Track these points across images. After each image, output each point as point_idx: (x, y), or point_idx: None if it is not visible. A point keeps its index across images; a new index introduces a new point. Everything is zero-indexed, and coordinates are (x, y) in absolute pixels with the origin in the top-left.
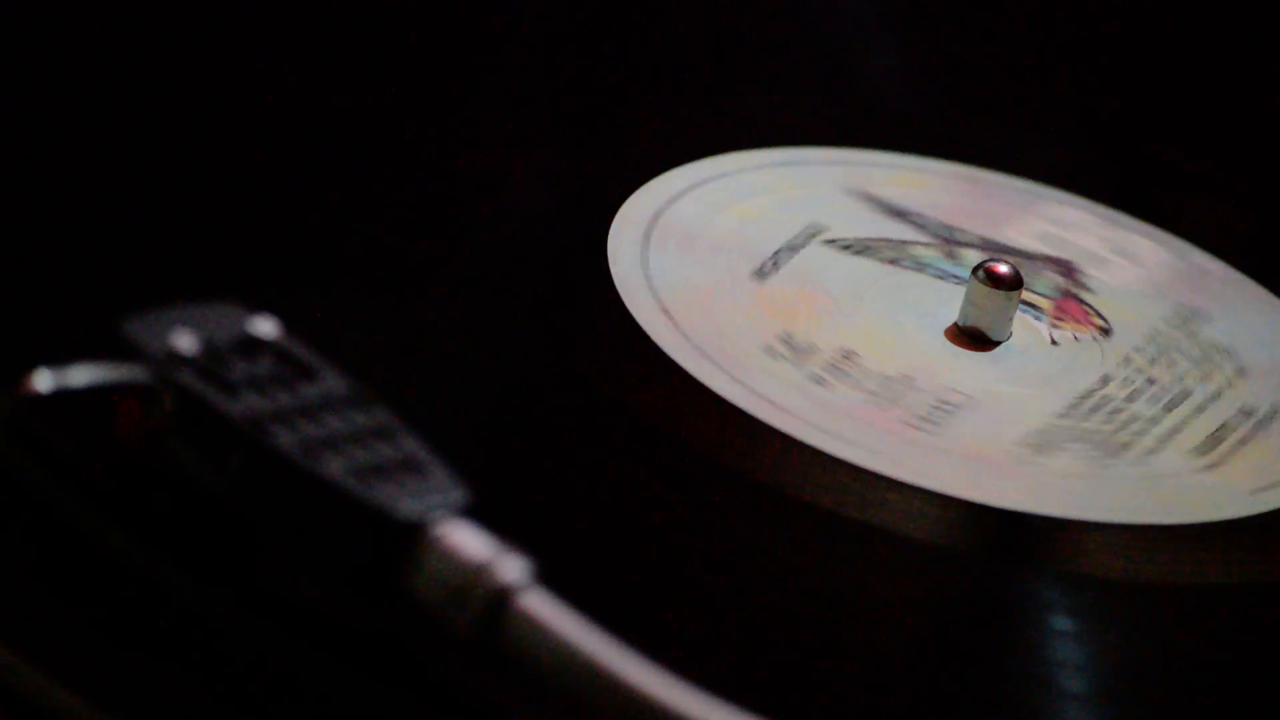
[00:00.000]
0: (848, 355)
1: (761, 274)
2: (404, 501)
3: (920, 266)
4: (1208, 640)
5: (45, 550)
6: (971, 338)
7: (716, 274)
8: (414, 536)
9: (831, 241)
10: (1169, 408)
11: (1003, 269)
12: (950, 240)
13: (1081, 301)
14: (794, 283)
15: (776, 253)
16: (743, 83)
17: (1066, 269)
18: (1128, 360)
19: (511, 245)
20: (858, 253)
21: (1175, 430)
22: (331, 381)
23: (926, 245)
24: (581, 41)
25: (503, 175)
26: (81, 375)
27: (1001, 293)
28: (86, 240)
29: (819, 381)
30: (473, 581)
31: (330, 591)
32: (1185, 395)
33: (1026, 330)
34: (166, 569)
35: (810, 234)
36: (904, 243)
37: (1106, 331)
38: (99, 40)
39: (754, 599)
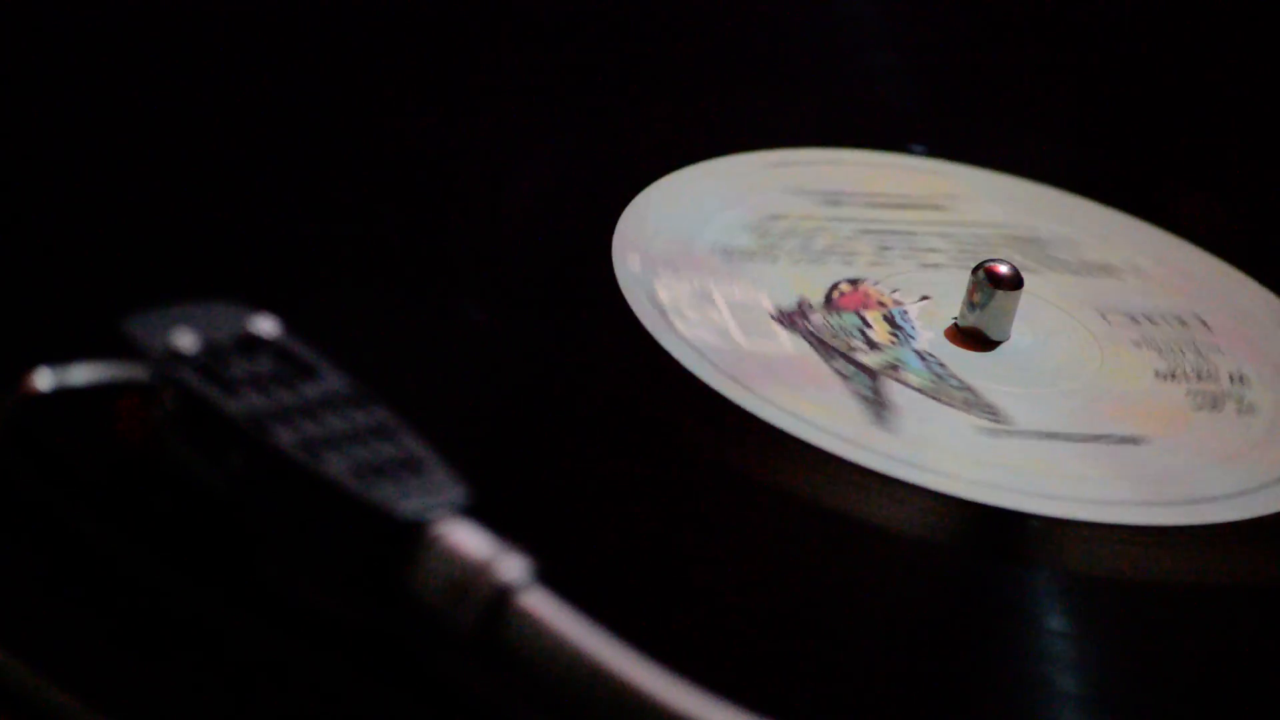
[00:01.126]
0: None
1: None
2: (404, 500)
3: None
4: (1193, 640)
5: (45, 551)
6: (971, 338)
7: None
8: (414, 535)
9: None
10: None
11: (1003, 269)
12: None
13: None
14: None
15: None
16: (748, 84)
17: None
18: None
19: (514, 245)
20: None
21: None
22: (332, 380)
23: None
24: (585, 40)
25: (505, 175)
26: (82, 374)
27: (1001, 293)
28: (86, 240)
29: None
30: (473, 580)
31: (331, 591)
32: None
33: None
34: (166, 569)
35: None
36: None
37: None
38: (99, 40)
39: (754, 598)
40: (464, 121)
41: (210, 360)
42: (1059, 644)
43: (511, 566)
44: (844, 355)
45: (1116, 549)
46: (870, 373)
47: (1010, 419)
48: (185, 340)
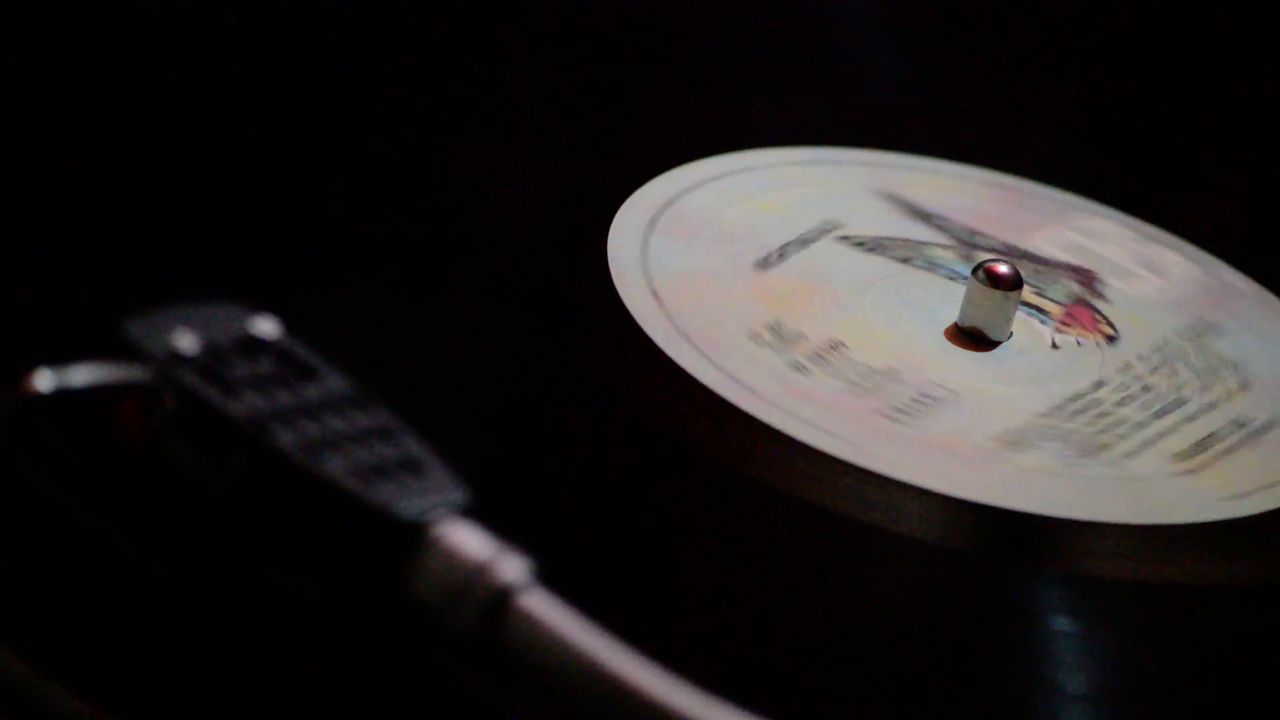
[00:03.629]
0: (834, 346)
1: (765, 264)
2: (404, 501)
3: (932, 266)
4: (1168, 639)
5: (45, 551)
6: (971, 338)
7: (717, 262)
8: (414, 536)
9: (845, 238)
10: (1159, 414)
11: (1002, 269)
12: (970, 244)
13: (1093, 309)
14: (797, 275)
15: (785, 245)
16: (767, 80)
17: (1086, 278)
18: (1127, 367)
19: (511, 244)
20: (870, 250)
21: (1160, 436)
22: (332, 381)
23: (944, 247)
24: (584, 40)
25: (502, 173)
26: (82, 375)
27: (1001, 293)
28: (87, 240)
29: (799, 369)
30: (473, 581)
31: (331, 591)
32: (1179, 404)
33: (1028, 332)
34: (167, 569)
35: (825, 229)
36: (920, 243)
37: (1112, 339)
38: (99, 40)
39: (754, 598)
40: (463, 121)
41: (211, 361)
42: (1060, 644)
43: (511, 567)
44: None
45: (1082, 545)
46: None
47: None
48: (186, 341)
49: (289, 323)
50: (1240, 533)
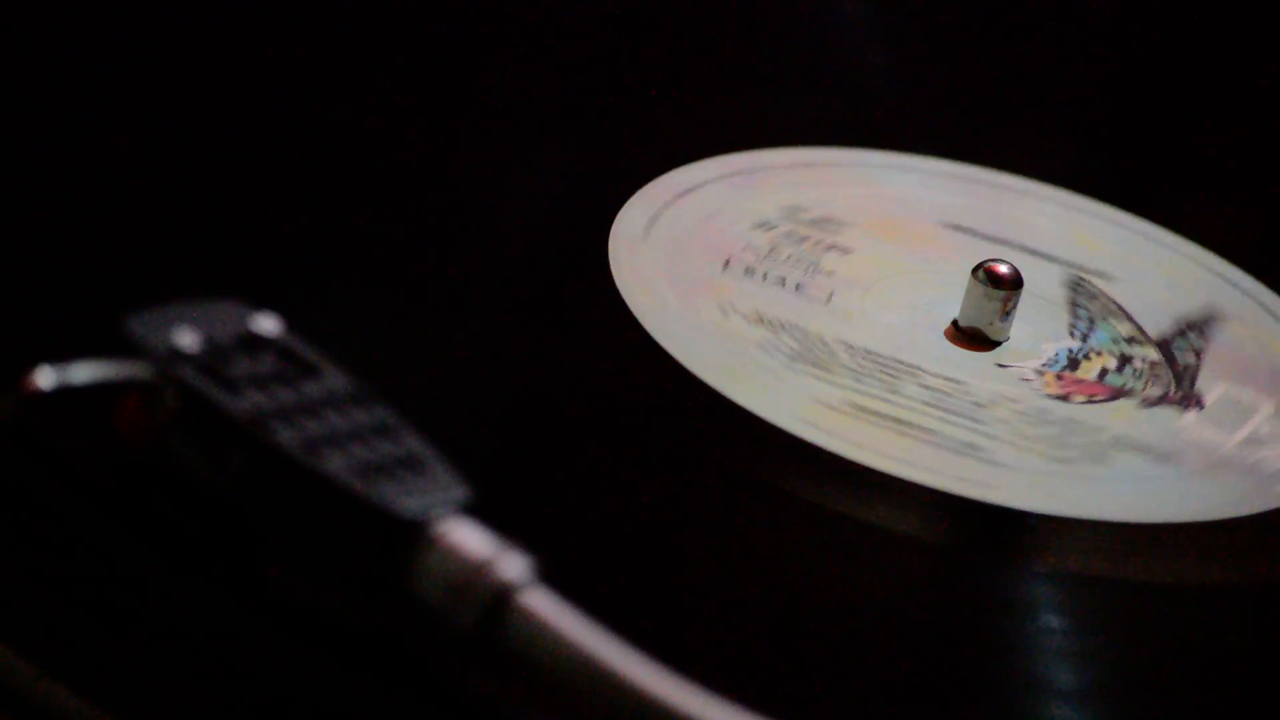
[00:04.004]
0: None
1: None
2: (405, 499)
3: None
4: (1165, 639)
5: (46, 550)
6: (971, 338)
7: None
8: (415, 534)
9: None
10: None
11: (1002, 269)
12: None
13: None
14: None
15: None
16: (768, 80)
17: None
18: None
19: (513, 242)
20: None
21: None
22: (333, 379)
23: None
24: (584, 40)
25: (504, 174)
26: (84, 372)
27: (1001, 293)
28: (88, 238)
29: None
30: (474, 579)
31: (332, 589)
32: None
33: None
34: (168, 567)
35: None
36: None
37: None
38: (99, 40)
39: (754, 598)
40: (465, 121)
41: (212, 359)
42: (1057, 643)
43: (512, 565)
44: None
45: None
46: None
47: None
48: (187, 339)
49: (290, 320)
50: (1240, 533)
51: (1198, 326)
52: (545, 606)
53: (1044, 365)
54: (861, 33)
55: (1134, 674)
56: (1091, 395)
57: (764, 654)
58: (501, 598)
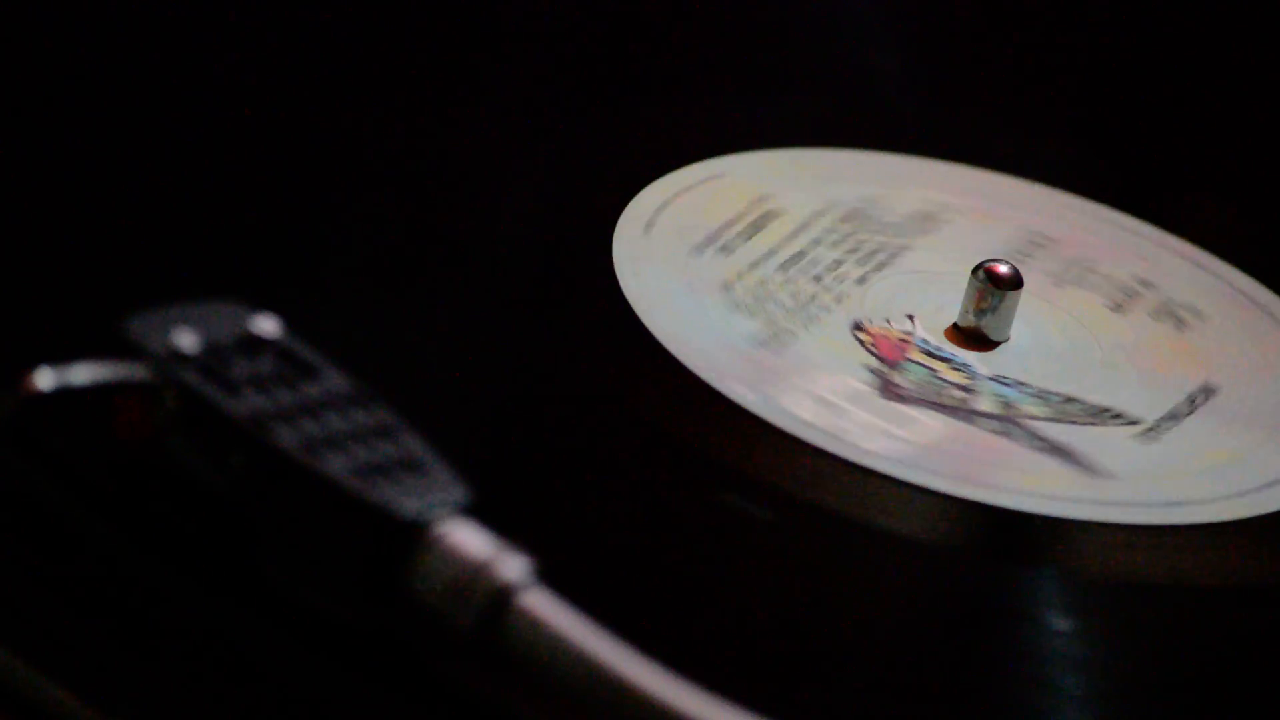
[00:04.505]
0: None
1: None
2: (405, 500)
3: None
4: (1166, 639)
5: (46, 551)
6: (971, 338)
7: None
8: (415, 535)
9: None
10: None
11: (1003, 269)
12: None
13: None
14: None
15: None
16: (769, 80)
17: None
18: None
19: (513, 244)
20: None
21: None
22: (333, 380)
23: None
24: (584, 40)
25: (505, 174)
26: (83, 374)
27: (1001, 293)
28: (87, 239)
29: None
30: (473, 580)
31: (331, 590)
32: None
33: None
34: (167, 568)
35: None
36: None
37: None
38: (99, 40)
39: (754, 598)
40: (464, 121)
41: (211, 360)
42: (1060, 644)
43: (512, 566)
44: (963, 411)
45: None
46: (1007, 420)
47: (1140, 415)
48: (186, 340)
49: (290, 321)
50: (1240, 533)
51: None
52: (545, 607)
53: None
54: (863, 33)
55: (1140, 677)
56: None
57: (764, 654)
58: (501, 598)
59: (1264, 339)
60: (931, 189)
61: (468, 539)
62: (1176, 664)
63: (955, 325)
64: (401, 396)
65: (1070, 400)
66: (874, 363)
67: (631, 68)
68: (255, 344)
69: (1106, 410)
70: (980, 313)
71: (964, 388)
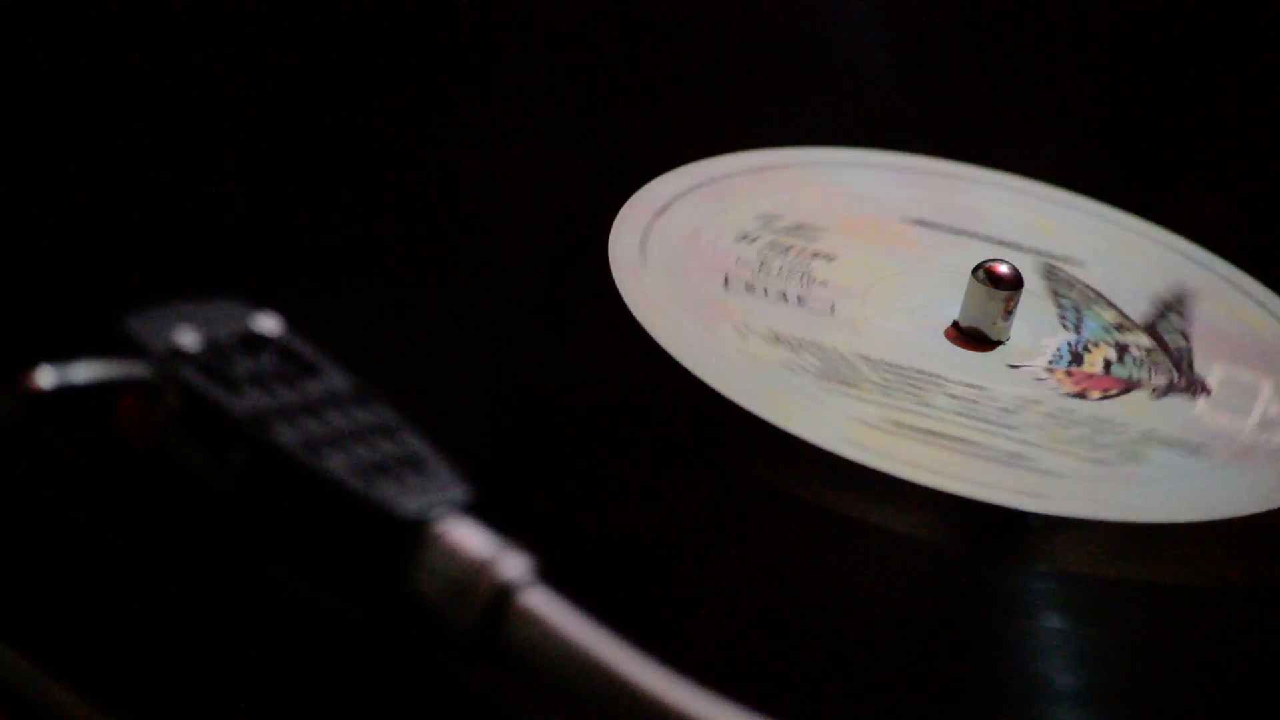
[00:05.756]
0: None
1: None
2: (406, 499)
3: None
4: (1165, 639)
5: (46, 549)
6: (971, 338)
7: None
8: (416, 534)
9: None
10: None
11: (1003, 269)
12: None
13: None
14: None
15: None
16: (769, 80)
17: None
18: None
19: (514, 243)
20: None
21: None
22: (334, 378)
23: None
24: (584, 40)
25: (504, 174)
26: (84, 372)
27: (1001, 293)
28: (88, 238)
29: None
30: (474, 579)
31: (332, 589)
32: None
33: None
34: (168, 567)
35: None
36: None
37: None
38: (99, 40)
39: (754, 598)
40: (464, 121)
41: (212, 358)
42: (1057, 642)
43: (513, 565)
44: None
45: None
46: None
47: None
48: (187, 338)
49: (291, 320)
50: (1240, 533)
51: (1175, 306)
52: (545, 606)
53: (1051, 362)
54: (862, 33)
55: (1139, 677)
56: (1106, 390)
57: (764, 653)
58: (502, 597)
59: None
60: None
61: (468, 537)
62: (1174, 665)
63: (956, 325)
64: (402, 396)
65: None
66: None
67: (635, 67)
68: (256, 342)
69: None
70: (983, 313)
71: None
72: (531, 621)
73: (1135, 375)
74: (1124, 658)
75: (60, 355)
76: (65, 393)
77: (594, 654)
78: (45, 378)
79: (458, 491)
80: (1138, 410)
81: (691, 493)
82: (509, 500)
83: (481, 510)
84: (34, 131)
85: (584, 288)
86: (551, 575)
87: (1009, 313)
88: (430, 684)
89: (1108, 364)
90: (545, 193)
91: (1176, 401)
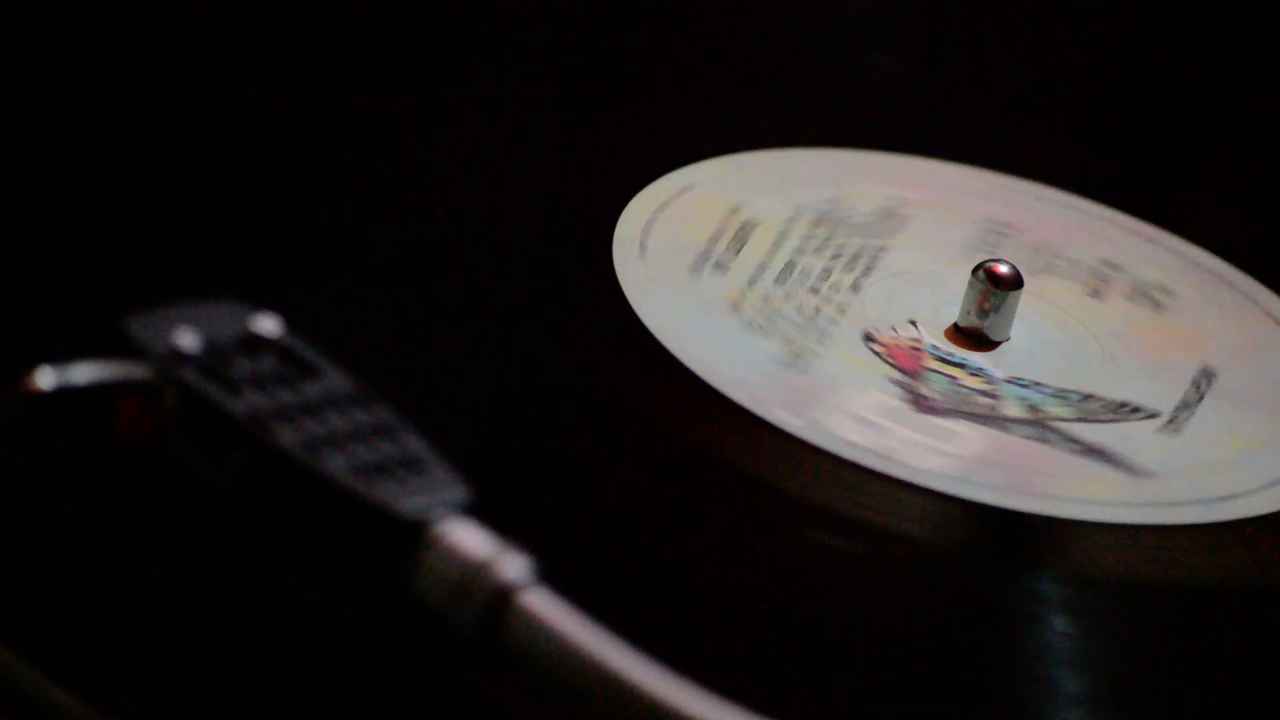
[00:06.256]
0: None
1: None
2: (406, 499)
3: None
4: (1166, 640)
5: (46, 550)
6: (971, 338)
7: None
8: (416, 534)
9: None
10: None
11: (1002, 269)
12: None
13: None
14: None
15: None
16: (769, 80)
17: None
18: None
19: (514, 244)
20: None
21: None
22: (334, 379)
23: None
24: (585, 40)
25: (506, 174)
26: (84, 373)
27: (1001, 293)
28: (88, 239)
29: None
30: (474, 579)
31: (332, 589)
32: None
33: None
34: (168, 567)
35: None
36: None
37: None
38: (99, 40)
39: (755, 597)
40: (464, 121)
41: (212, 359)
42: (1061, 644)
43: (512, 566)
44: (995, 418)
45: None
46: (1038, 424)
47: (1156, 407)
48: (187, 339)
49: (290, 321)
50: (1241, 533)
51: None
52: (545, 607)
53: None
54: (863, 33)
55: (1139, 677)
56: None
57: (764, 654)
58: (501, 598)
59: (1240, 314)
60: (887, 184)
61: (468, 538)
62: (1175, 665)
63: (956, 326)
64: (401, 396)
65: (1089, 398)
66: (895, 374)
67: (636, 67)
68: (256, 343)
69: (1125, 405)
70: (983, 313)
71: (988, 394)
72: (531, 622)
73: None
74: (1119, 660)
75: (60, 356)
76: (65, 393)
77: (594, 655)
78: (45, 379)
79: (457, 492)
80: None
81: (692, 493)
82: (509, 501)
83: (481, 511)
84: (34, 131)
85: (586, 288)
86: (551, 576)
87: (1009, 313)
88: (430, 685)
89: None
90: (547, 192)
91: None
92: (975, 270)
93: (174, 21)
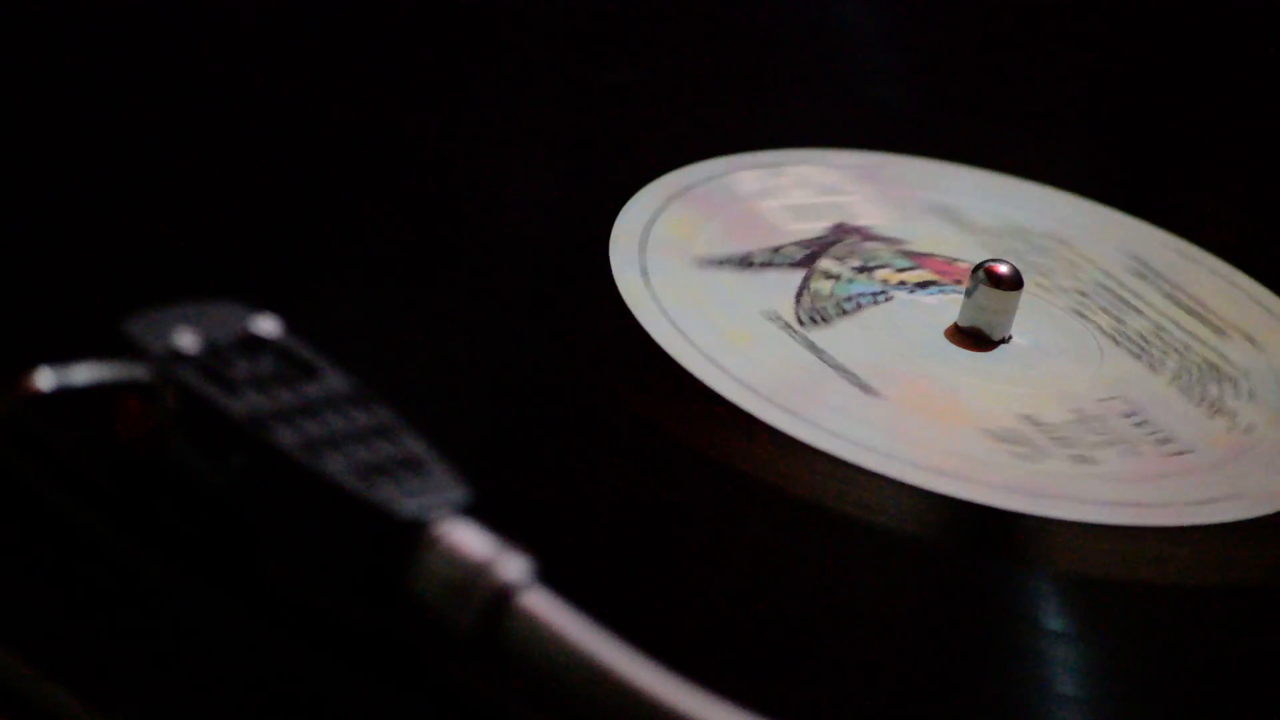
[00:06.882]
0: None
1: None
2: (405, 500)
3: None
4: (1165, 641)
5: (46, 551)
6: (971, 338)
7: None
8: (415, 535)
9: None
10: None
11: (1003, 269)
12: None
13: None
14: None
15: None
16: (769, 81)
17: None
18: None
19: (514, 244)
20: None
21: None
22: (333, 380)
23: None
24: (585, 40)
25: (504, 175)
26: (83, 374)
27: (1001, 292)
28: (87, 239)
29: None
30: (474, 580)
31: (331, 590)
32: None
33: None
34: (167, 568)
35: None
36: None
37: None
38: (99, 40)
39: (754, 597)
40: (464, 121)
41: (211, 360)
42: (1055, 645)
43: (512, 566)
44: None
45: (1113, 549)
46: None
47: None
48: (186, 340)
49: (290, 321)
50: (1241, 533)
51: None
52: (545, 607)
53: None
54: (863, 33)
55: (1139, 678)
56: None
57: (764, 655)
58: (501, 598)
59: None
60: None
61: (467, 539)
62: (1174, 665)
63: (956, 325)
64: (401, 396)
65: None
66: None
67: (635, 67)
68: (255, 344)
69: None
70: (983, 313)
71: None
72: (531, 623)
73: None
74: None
75: (60, 357)
76: (65, 394)
77: (593, 655)
78: (45, 379)
79: (457, 493)
80: None
81: (693, 494)
82: (509, 501)
83: (481, 512)
84: (34, 131)
85: (584, 288)
86: (551, 576)
87: (1009, 312)
88: (429, 685)
89: None
90: (545, 193)
91: None
92: (975, 270)
93: (174, 21)
